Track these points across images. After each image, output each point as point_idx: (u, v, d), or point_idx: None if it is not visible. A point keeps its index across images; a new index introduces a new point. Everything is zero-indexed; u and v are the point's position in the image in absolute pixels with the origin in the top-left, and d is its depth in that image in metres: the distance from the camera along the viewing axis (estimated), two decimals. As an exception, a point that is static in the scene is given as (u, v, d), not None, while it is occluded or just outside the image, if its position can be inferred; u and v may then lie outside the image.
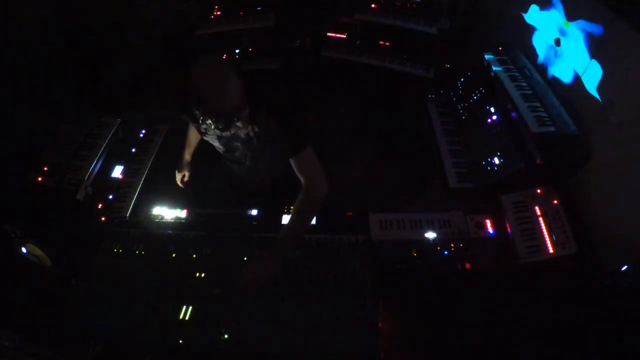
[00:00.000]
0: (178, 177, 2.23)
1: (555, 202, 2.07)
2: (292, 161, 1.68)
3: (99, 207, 2.32)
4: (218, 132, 1.65)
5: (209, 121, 1.46)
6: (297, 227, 1.66)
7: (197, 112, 1.47)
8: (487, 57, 2.64)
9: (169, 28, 3.87)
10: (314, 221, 2.05)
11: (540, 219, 2.05)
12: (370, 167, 3.31)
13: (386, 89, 3.75)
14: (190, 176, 2.27)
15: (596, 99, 2.02)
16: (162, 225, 2.07)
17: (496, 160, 2.31)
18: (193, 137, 2.13)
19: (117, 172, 2.55)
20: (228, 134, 1.69)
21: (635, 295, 1.65)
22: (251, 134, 1.73)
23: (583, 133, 2.10)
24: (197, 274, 1.78)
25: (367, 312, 1.62)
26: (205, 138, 1.88)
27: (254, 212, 2.14)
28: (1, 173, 2.24)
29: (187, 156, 2.19)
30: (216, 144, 1.88)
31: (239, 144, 1.82)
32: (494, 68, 2.54)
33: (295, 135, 1.65)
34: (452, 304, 1.77)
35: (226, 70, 1.42)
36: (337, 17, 3.81)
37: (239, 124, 1.51)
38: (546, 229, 2.01)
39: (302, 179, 1.69)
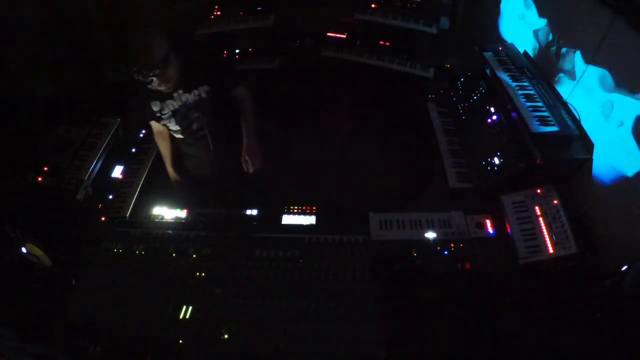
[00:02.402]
0: (174, 184, 2.43)
1: (555, 202, 2.06)
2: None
3: (99, 207, 2.32)
4: (171, 106, 2.01)
5: (135, 75, 1.80)
6: (252, 126, 2.08)
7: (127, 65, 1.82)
8: (487, 56, 2.63)
9: (169, 28, 3.87)
10: (313, 221, 2.07)
11: (540, 219, 2.04)
12: (370, 167, 3.32)
13: (386, 89, 3.75)
14: (188, 179, 2.42)
15: (596, 98, 2.02)
16: (162, 225, 2.07)
17: (496, 160, 2.31)
18: (164, 148, 2.35)
19: (117, 172, 2.55)
20: (179, 103, 2.02)
21: (635, 295, 1.65)
22: (203, 95, 2.03)
23: (583, 133, 2.10)
24: (197, 274, 1.79)
25: (367, 312, 1.62)
26: (163, 124, 2.13)
27: (254, 212, 2.14)
28: (1, 173, 2.24)
29: (170, 168, 2.40)
30: (173, 125, 2.12)
31: (193, 113, 2.08)
32: (494, 68, 2.53)
33: (231, 76, 2.15)
34: (452, 304, 1.77)
35: (147, 32, 1.85)
36: (337, 17, 3.81)
37: (157, 73, 1.80)
38: (546, 229, 2.01)
39: (240, 102, 2.12)
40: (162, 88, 1.90)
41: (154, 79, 1.81)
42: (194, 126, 2.14)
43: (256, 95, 2.19)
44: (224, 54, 3.89)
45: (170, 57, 1.83)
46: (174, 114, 2.07)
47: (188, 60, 1.95)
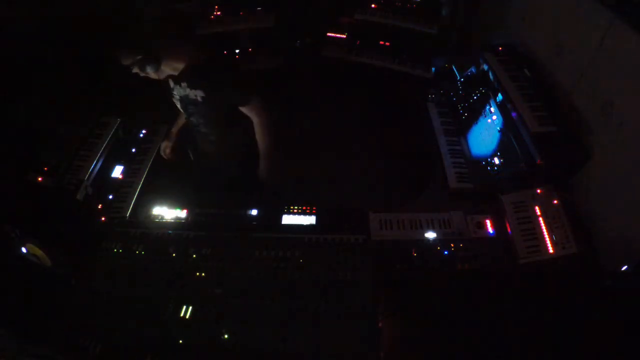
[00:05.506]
0: (162, 145, 2.54)
1: (555, 202, 2.06)
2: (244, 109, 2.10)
3: (99, 207, 2.32)
4: (177, 91, 2.09)
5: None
6: (266, 146, 2.20)
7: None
8: (487, 56, 2.63)
9: (169, 28, 3.86)
10: (313, 221, 2.07)
11: (540, 219, 2.04)
12: (370, 167, 3.32)
13: (386, 89, 3.75)
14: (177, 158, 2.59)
15: (596, 98, 2.02)
16: (162, 225, 2.07)
17: (496, 160, 2.31)
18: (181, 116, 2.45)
19: (117, 172, 2.54)
20: (182, 93, 2.06)
21: (635, 295, 1.65)
22: (199, 98, 2.02)
23: (583, 133, 2.10)
24: (197, 274, 1.79)
25: (367, 312, 1.62)
26: (174, 100, 2.21)
27: (254, 212, 2.14)
28: (1, 173, 2.24)
29: (174, 128, 2.54)
30: (180, 109, 2.23)
31: (191, 109, 2.13)
32: (494, 68, 2.53)
33: (234, 94, 2.05)
34: (452, 304, 1.77)
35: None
36: (337, 17, 3.81)
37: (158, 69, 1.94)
38: (546, 229, 2.01)
39: (254, 119, 2.13)
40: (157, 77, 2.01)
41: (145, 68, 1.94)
42: (193, 120, 2.21)
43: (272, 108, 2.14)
44: (225, 54, 3.86)
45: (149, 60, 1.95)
46: (181, 100, 2.13)
47: (202, 60, 1.98)
